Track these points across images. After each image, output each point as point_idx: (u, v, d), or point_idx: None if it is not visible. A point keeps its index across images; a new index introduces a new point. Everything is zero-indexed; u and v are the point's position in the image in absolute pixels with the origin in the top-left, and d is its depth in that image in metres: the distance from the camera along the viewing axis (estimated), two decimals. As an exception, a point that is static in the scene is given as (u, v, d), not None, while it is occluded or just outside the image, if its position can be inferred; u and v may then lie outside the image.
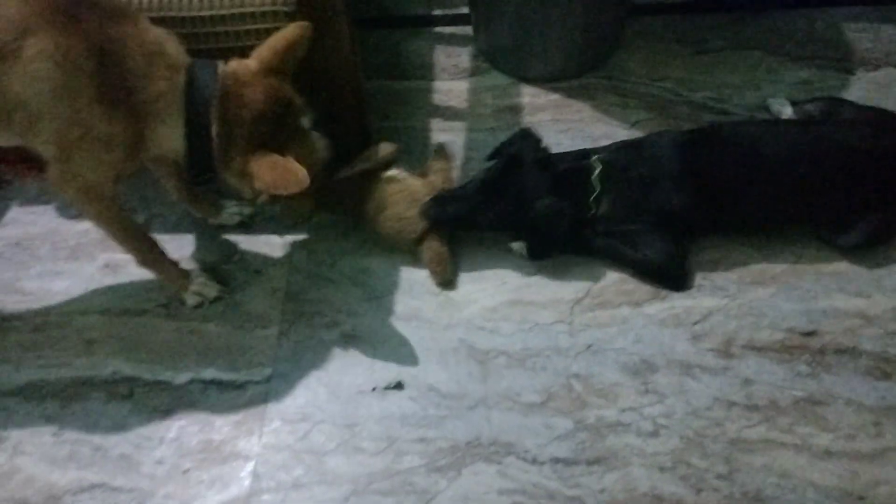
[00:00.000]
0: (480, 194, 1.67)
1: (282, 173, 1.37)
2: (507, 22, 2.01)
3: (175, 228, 1.87)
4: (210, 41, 1.55)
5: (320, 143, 1.56)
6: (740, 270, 1.70)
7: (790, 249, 1.72)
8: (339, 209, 1.80)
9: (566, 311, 1.67)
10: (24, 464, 1.54)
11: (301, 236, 1.84)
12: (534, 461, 1.48)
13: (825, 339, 1.59)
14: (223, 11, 1.52)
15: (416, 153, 1.96)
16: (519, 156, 1.69)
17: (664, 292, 1.68)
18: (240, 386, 1.61)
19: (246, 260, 1.81)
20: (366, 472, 1.49)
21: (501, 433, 1.51)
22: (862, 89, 2.00)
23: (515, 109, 2.05)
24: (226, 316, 1.72)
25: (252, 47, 1.49)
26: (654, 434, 1.49)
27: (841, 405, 1.50)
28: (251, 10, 1.51)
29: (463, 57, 2.21)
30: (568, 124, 2.00)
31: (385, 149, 1.79)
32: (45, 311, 1.76)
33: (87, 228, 1.88)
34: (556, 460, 1.48)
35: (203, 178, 1.50)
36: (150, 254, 1.65)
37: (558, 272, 1.72)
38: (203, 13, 1.52)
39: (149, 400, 1.61)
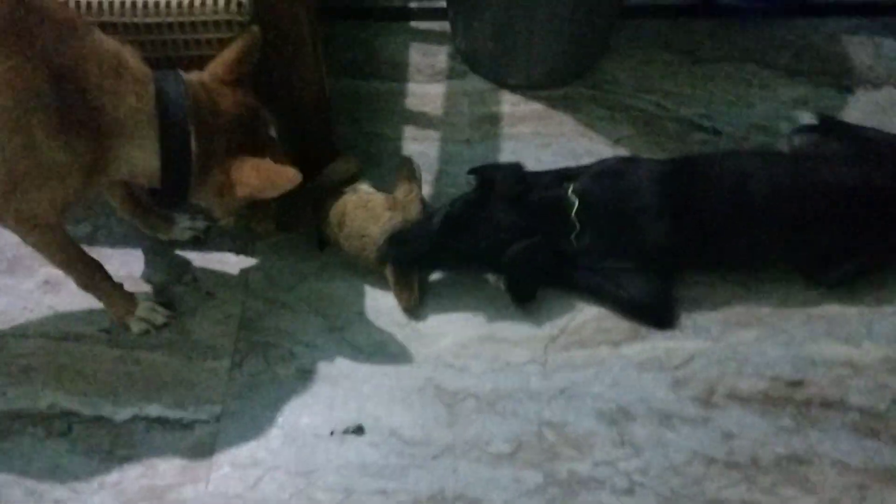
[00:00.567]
0: (445, 232, 1.53)
1: (269, 174, 1.33)
2: (487, 22, 1.86)
3: (122, 242, 1.72)
4: (160, 50, 1.40)
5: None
6: (725, 310, 1.60)
7: (777, 289, 1.62)
8: (300, 228, 1.67)
9: (540, 350, 1.57)
10: (-53, 508, 1.42)
11: (257, 258, 1.71)
12: (501, 519, 1.39)
13: (811, 390, 1.50)
14: (174, 19, 1.36)
15: (386, 163, 1.83)
16: (489, 186, 1.56)
17: (644, 331, 1.58)
18: (187, 425, 1.49)
19: (198, 280, 1.68)
20: (320, 527, 1.39)
21: (468, 487, 1.42)
22: (861, 110, 1.89)
23: (494, 119, 1.92)
24: (174, 345, 1.59)
25: (207, 57, 1.38)
26: (629, 492, 1.41)
27: (825, 465, 1.42)
28: (203, 19, 1.35)
29: (440, 57, 2.06)
30: (549, 138, 1.87)
31: (347, 163, 1.69)
32: (-24, 334, 1.62)
33: (24, 240, 1.74)
34: (523, 518, 1.39)
35: (172, 200, 1.38)
36: (91, 278, 1.51)
37: (533, 305, 1.61)
38: (153, 20, 1.36)
39: (88, 438, 1.48)
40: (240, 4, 1.35)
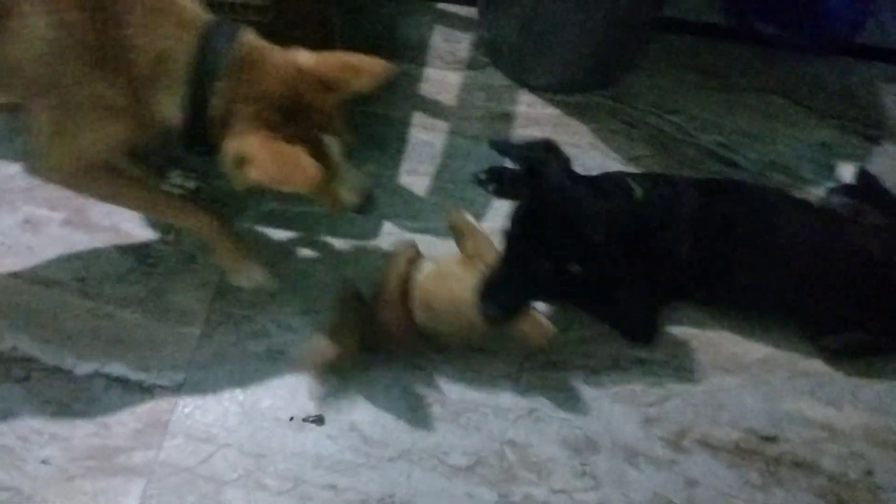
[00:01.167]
0: (527, 248, 1.29)
1: (287, 164, 1.18)
2: (515, 16, 1.79)
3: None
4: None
5: (353, 177, 1.34)
6: (711, 353, 1.56)
7: (768, 339, 1.57)
8: (385, 342, 1.44)
9: (515, 366, 1.52)
10: None
11: (247, 224, 1.67)
12: (446, 533, 1.36)
13: (784, 448, 1.46)
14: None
15: (390, 150, 1.78)
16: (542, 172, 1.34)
17: (625, 363, 1.53)
18: (147, 389, 1.47)
19: (180, 241, 1.64)
20: (264, 514, 1.37)
21: (418, 495, 1.39)
22: (883, 164, 1.81)
23: (508, 118, 1.86)
24: (146, 304, 1.56)
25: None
26: (582, 524, 1.38)
27: (785, 527, 1.39)
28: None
29: (463, 44, 1.99)
30: (561, 146, 1.81)
31: (405, 250, 1.47)
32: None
33: (12, 174, 1.70)
34: (469, 535, 1.36)
35: (190, 147, 1.31)
36: (166, 212, 1.48)
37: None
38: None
39: (45, 388, 1.46)
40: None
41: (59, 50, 1.12)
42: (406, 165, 1.77)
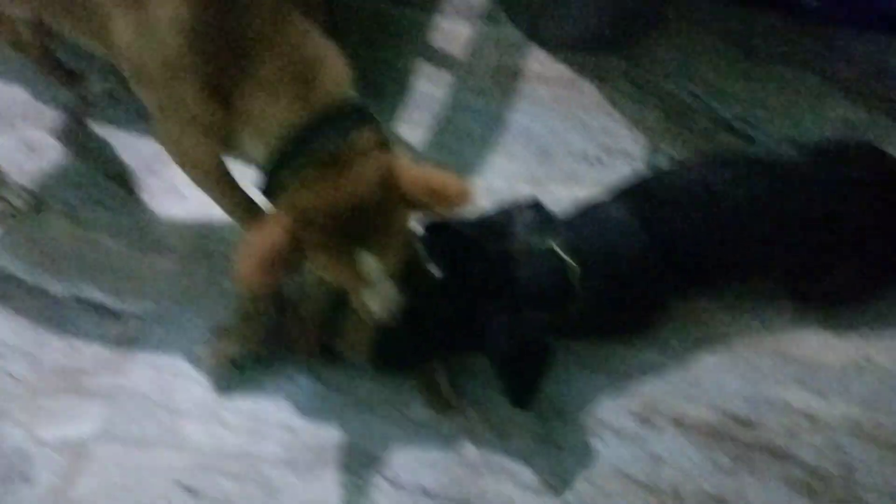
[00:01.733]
0: (425, 312, 1.28)
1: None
2: (532, -32, 1.73)
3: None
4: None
5: (387, 292, 1.21)
6: (696, 330, 1.49)
7: (759, 321, 1.50)
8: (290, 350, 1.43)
9: (490, 325, 1.49)
10: None
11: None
12: (397, 484, 1.34)
13: (759, 434, 1.39)
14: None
15: (390, 98, 1.74)
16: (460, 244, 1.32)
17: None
18: (119, 316, 1.48)
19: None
20: (218, 447, 1.36)
21: (373, 444, 1.37)
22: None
23: (515, 75, 1.80)
24: (130, 233, 1.57)
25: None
26: (537, 490, 1.34)
27: (750, 514, 1.33)
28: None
29: (479, -6, 1.93)
30: (568, 107, 1.75)
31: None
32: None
33: (14, 96, 1.72)
34: (420, 489, 1.34)
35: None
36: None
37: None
38: None
39: (22, 305, 1.48)
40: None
41: (180, 58, 1.08)
42: (405, 115, 1.73)
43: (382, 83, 1.76)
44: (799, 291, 1.46)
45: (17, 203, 1.55)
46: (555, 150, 1.68)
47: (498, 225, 1.44)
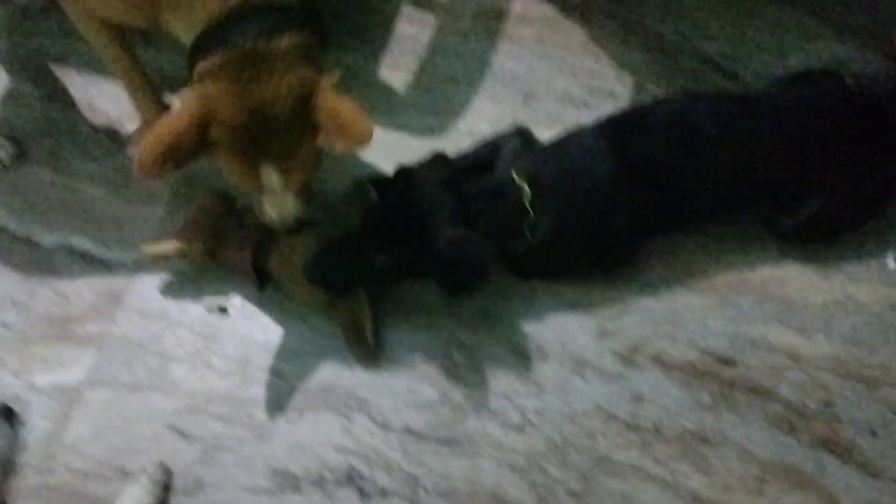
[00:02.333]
0: (364, 239, 1.29)
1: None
2: None
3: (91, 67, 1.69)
4: None
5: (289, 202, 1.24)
6: (679, 269, 1.49)
7: (744, 258, 1.50)
8: (235, 265, 1.42)
9: (474, 268, 1.50)
10: None
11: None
12: (384, 425, 1.37)
13: (741, 372, 1.41)
14: None
15: (373, 41, 1.72)
16: (409, 179, 1.33)
17: (585, 276, 1.49)
18: (106, 264, 1.49)
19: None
20: (207, 390, 1.40)
21: (360, 386, 1.40)
22: (901, 85, 1.68)
23: (500, 16, 1.77)
24: (115, 181, 1.57)
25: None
26: (519, 429, 1.37)
27: (730, 450, 1.35)
28: None
29: (464, -67, 1.89)
30: (552, 48, 1.72)
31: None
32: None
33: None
34: (407, 430, 1.37)
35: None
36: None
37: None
38: None
39: (12, 255, 1.50)
40: None
41: None
42: (388, 59, 1.71)
43: (365, 26, 1.74)
44: (776, 227, 1.46)
45: (1, 155, 1.55)
46: (539, 92, 1.67)
47: (483, 156, 1.46)
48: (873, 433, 1.37)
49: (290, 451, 1.35)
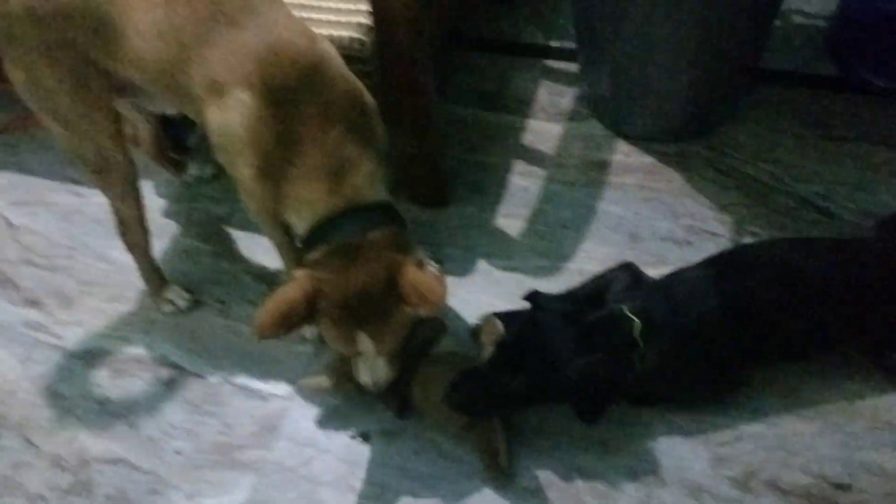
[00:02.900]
0: (498, 367, 1.44)
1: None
2: (607, 69, 1.93)
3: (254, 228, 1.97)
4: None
5: (377, 368, 1.44)
6: (788, 397, 1.58)
7: (849, 385, 1.57)
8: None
9: (590, 398, 1.62)
10: (70, 423, 1.71)
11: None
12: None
13: (857, 498, 1.45)
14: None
15: (490, 194, 1.95)
16: (536, 314, 1.49)
17: (700, 402, 1.59)
18: (264, 396, 1.70)
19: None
20: (351, 513, 1.55)
21: (489, 510, 1.52)
22: None
23: (603, 166, 1.98)
24: (270, 325, 1.81)
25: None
26: (641, 553, 1.45)
27: (852, 576, 1.39)
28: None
29: (566, 98, 2.14)
30: (653, 193, 1.91)
31: (433, 327, 1.63)
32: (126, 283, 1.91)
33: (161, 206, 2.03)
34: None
35: None
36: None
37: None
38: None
39: (184, 390, 1.73)
40: (361, 43, 1.51)
41: (242, 147, 1.35)
42: (503, 209, 1.93)
43: (482, 181, 1.97)
44: (881, 360, 1.54)
45: (180, 303, 1.83)
46: (643, 234, 1.83)
47: (593, 291, 1.62)
48: None
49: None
